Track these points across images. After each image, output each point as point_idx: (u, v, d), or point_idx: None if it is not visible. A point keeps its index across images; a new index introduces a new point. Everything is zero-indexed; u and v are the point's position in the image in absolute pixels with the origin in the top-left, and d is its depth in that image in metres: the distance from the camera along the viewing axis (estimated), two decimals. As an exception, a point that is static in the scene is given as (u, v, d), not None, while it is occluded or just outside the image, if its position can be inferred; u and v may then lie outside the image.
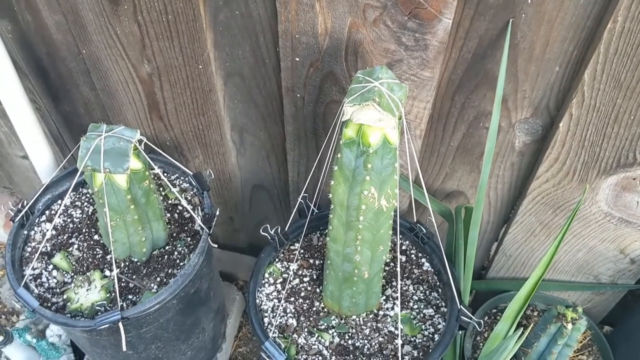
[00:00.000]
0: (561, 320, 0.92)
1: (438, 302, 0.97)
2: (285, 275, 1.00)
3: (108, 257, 1.01)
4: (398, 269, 0.82)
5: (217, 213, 0.99)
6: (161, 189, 1.10)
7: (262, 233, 0.96)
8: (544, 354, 0.97)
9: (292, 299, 0.97)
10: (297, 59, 0.87)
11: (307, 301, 0.98)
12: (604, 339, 1.10)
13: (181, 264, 1.00)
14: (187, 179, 1.10)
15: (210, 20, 0.88)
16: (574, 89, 0.79)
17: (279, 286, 0.99)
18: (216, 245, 1.01)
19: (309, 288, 0.99)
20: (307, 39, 0.84)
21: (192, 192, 1.08)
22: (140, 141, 0.87)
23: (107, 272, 0.99)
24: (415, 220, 1.02)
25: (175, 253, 1.01)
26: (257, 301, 0.96)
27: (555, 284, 1.11)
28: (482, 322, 0.87)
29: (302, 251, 1.04)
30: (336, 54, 0.84)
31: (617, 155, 0.85)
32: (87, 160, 0.82)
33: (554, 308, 0.94)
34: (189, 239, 1.03)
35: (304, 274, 1.01)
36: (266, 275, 1.00)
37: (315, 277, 1.01)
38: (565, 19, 0.73)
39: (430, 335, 0.93)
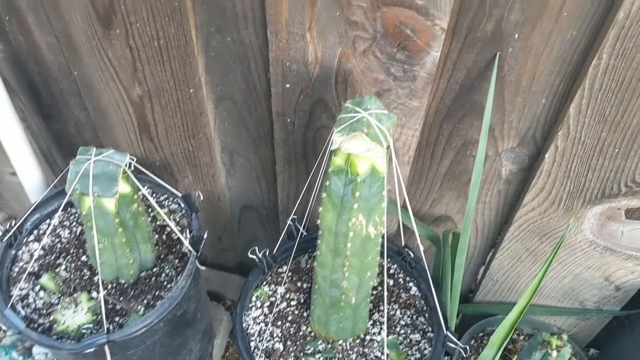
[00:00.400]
0: (546, 347, 0.93)
1: (425, 327, 0.98)
2: (272, 299, 1.00)
3: (95, 278, 1.00)
4: (385, 296, 0.83)
5: (205, 235, 0.99)
6: (150, 210, 1.10)
7: (250, 255, 0.96)
8: (530, 380, 0.98)
9: (279, 322, 0.97)
10: (288, 86, 0.88)
11: (294, 325, 0.98)
12: (589, 364, 1.11)
13: (168, 286, 1.00)
14: (176, 200, 1.10)
15: (202, 46, 0.89)
16: (559, 121, 0.80)
17: (266, 310, 0.99)
18: (204, 267, 1.01)
19: (296, 312, 0.99)
20: (298, 66, 0.85)
21: (180, 214, 1.08)
22: (130, 164, 0.88)
23: (94, 294, 0.98)
24: (403, 244, 1.02)
25: (163, 275, 1.01)
26: (244, 325, 0.96)
27: (542, 309, 1.12)
28: (467, 348, 0.88)
29: (290, 274, 1.04)
30: (326, 82, 0.85)
31: (602, 186, 0.86)
32: (76, 184, 0.83)
33: (539, 335, 0.95)
34: (176, 260, 1.03)
35: (291, 297, 1.01)
36: (253, 298, 1.00)
37: (302, 300, 1.01)
38: (552, 54, 0.74)
39: (417, 361, 0.93)
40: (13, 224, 1.00)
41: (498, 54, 0.76)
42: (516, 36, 0.74)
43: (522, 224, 0.96)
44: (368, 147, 0.70)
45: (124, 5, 0.84)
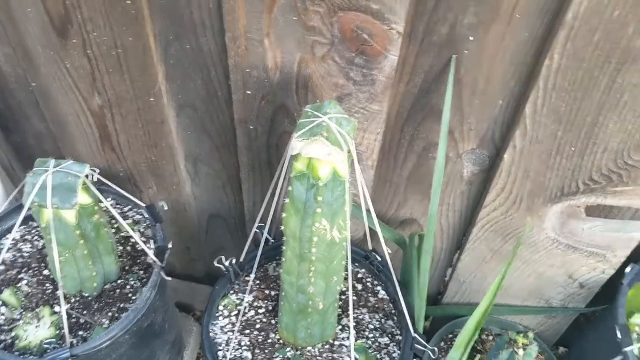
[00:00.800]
0: (512, 346, 0.94)
1: (393, 330, 0.98)
2: (240, 307, 0.99)
3: (57, 292, 0.98)
4: (350, 300, 0.82)
5: (170, 246, 0.98)
6: (113, 221, 1.08)
7: (217, 265, 0.95)
8: (498, 379, 0.98)
9: (247, 331, 0.97)
10: (249, 92, 0.88)
11: (263, 333, 0.97)
12: (556, 361, 1.12)
13: (133, 297, 0.98)
14: (140, 210, 1.08)
15: (161, 54, 0.88)
16: (516, 121, 0.81)
17: (233, 318, 0.98)
18: (170, 278, 1.00)
19: (264, 320, 0.99)
20: (258, 73, 0.85)
21: (145, 224, 1.07)
22: (91, 174, 0.86)
23: (57, 308, 0.96)
24: (370, 248, 1.03)
25: (128, 287, 1.00)
26: (212, 334, 0.95)
27: (508, 309, 1.13)
28: (436, 349, 0.88)
29: (257, 282, 1.03)
30: (287, 88, 0.85)
31: (561, 185, 0.88)
32: (34, 196, 0.81)
33: (506, 334, 0.96)
34: (141, 272, 1.02)
35: (259, 305, 1.01)
36: (220, 307, 0.99)
37: (270, 308, 1.00)
38: (506, 55, 0.76)
39: (385, 365, 0.93)
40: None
41: (454, 56, 0.77)
42: (471, 39, 0.75)
43: (485, 224, 0.97)
44: (328, 151, 0.70)
45: (80, 14, 0.83)
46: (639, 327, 0.98)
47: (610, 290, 1.00)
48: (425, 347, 0.89)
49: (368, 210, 0.81)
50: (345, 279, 0.88)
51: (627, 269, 0.98)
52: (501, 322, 1.15)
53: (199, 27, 0.83)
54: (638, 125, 0.76)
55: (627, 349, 0.90)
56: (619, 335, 0.91)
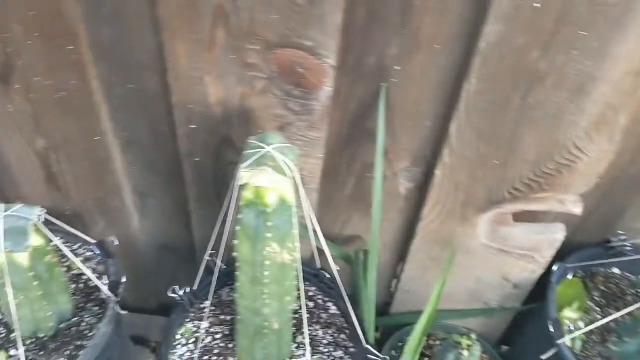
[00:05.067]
0: (457, 348, 1.00)
1: (347, 343, 1.03)
2: (197, 335, 1.02)
3: (12, 336, 0.98)
4: (305, 319, 0.87)
5: (124, 280, 0.99)
6: (63, 259, 1.09)
7: (171, 295, 0.98)
8: (447, 381, 1.04)
9: (206, 357, 0.99)
10: (193, 127, 0.92)
11: (221, 358, 1.00)
12: (500, 359, 1.20)
13: (90, 334, 0.99)
14: (90, 247, 1.09)
15: (105, 95, 0.91)
16: (444, 140, 0.88)
17: (191, 346, 1.00)
18: (125, 312, 1.02)
19: (221, 345, 1.02)
20: (201, 108, 0.89)
21: (96, 261, 1.08)
22: (40, 216, 0.88)
23: (13, 352, 0.96)
24: (319, 267, 1.07)
25: (83, 324, 1.01)
26: (171, 364, 0.97)
27: (452, 313, 1.20)
28: (388, 358, 0.94)
29: (212, 308, 1.06)
30: (230, 121, 0.90)
31: (489, 195, 0.95)
32: (-15, 242, 0.82)
33: (450, 337, 1.02)
34: (96, 308, 1.03)
35: (216, 331, 1.03)
36: (178, 337, 1.01)
37: (227, 333, 1.03)
38: (430, 81, 0.83)
39: (341, 377, 0.98)
40: None
41: (384, 85, 0.84)
42: (397, 68, 0.82)
43: (425, 235, 1.04)
44: (275, 179, 0.75)
45: (21, 61, 0.85)
46: (569, 320, 1.06)
47: (541, 288, 1.08)
48: (377, 356, 0.94)
49: (315, 231, 0.85)
50: (298, 298, 0.92)
51: (554, 268, 1.06)
52: (446, 326, 1.22)
53: (142, 69, 0.87)
54: (549, 139, 0.85)
55: (560, 341, 0.98)
56: (551, 329, 0.99)
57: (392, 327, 1.25)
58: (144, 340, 1.41)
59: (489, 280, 1.12)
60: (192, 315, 1.05)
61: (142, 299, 1.39)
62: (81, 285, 1.06)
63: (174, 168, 1.03)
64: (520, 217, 1.01)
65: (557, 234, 1.01)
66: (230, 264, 1.05)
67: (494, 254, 1.05)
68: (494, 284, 1.13)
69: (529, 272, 1.08)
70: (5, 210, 0.84)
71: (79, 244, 1.11)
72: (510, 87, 0.80)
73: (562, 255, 1.07)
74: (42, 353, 0.97)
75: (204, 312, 1.05)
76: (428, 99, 0.85)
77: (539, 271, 1.08)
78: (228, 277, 1.06)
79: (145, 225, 1.17)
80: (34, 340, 0.98)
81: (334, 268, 0.92)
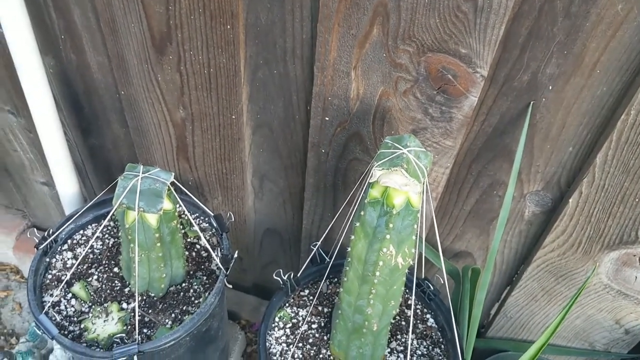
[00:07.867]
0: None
1: (440, 357, 1.01)
2: (294, 321, 1.03)
3: (126, 290, 1.04)
4: (411, 324, 0.86)
5: (236, 255, 1.03)
6: (181, 226, 1.14)
7: (275, 277, 1.00)
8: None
9: (300, 344, 1.01)
10: (327, 119, 0.93)
11: (315, 348, 1.01)
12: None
13: (196, 301, 1.03)
14: (207, 219, 1.14)
15: (248, 76, 0.94)
16: (585, 169, 0.84)
17: (287, 330, 1.02)
18: (231, 286, 1.05)
19: (317, 335, 1.03)
20: (339, 101, 0.90)
21: (210, 232, 1.12)
22: (172, 183, 0.92)
23: (125, 305, 1.02)
24: (423, 276, 1.06)
25: (191, 291, 1.05)
26: (267, 344, 0.99)
27: (552, 349, 1.15)
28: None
29: (311, 298, 1.07)
30: (364, 118, 0.90)
31: (621, 233, 0.90)
32: (123, 198, 0.87)
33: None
34: (204, 277, 1.07)
35: (312, 320, 1.05)
36: (276, 319, 1.03)
37: (323, 324, 1.04)
38: (582, 106, 0.80)
39: (433, 391, 0.96)
40: (50, 232, 1.04)
41: (532, 103, 0.81)
42: (550, 88, 0.79)
43: (541, 264, 1.00)
44: (406, 182, 0.74)
45: (180, 33, 0.90)
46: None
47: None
48: (473, 377, 0.91)
49: (426, 241, 0.84)
50: (400, 304, 0.91)
51: (676, 321, 1.00)
52: (543, 360, 1.18)
53: (289, 55, 0.89)
54: None
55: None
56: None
57: (483, 350, 1.22)
58: (235, 315, 1.45)
59: (600, 320, 1.06)
60: (292, 300, 1.06)
61: (239, 276, 1.43)
62: (193, 254, 1.10)
63: (297, 155, 1.05)
64: (649, 262, 0.95)
65: (688, 286, 0.94)
66: (335, 256, 1.06)
67: (612, 294, 1.00)
68: (604, 325, 1.07)
69: (646, 320, 1.02)
70: (144, 172, 0.88)
71: (196, 214, 1.15)
72: (672, 124, 0.75)
73: (687, 309, 1.00)
74: (150, 311, 1.02)
75: (303, 299, 1.06)
76: (576, 125, 0.82)
77: (658, 321, 1.02)
78: (331, 270, 1.07)
79: (258, 206, 1.20)
80: (144, 297, 1.03)
81: (445, 282, 0.90)
